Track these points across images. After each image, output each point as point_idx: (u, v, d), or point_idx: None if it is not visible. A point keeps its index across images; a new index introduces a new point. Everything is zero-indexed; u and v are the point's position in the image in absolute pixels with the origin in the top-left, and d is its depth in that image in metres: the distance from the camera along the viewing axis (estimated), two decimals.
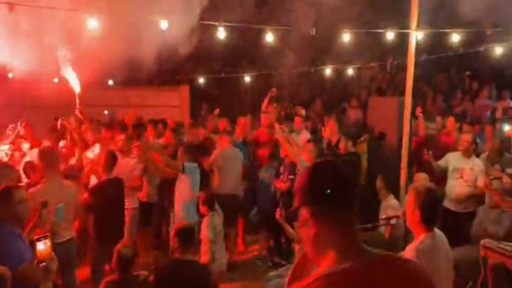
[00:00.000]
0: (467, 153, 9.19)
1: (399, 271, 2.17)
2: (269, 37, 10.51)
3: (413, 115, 12.08)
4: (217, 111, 13.58)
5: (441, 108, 16.00)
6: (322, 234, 2.25)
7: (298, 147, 9.45)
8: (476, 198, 9.04)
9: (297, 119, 11.31)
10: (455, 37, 10.37)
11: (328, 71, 14.16)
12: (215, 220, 8.09)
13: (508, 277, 7.02)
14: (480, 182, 8.73)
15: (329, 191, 2.25)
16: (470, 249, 7.58)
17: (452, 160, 9.32)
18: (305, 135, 11.03)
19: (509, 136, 10.46)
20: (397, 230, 7.66)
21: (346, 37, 10.44)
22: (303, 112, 13.37)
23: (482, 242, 6.93)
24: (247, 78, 15.93)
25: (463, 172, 9.07)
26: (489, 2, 10.03)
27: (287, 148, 9.52)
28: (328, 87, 18.45)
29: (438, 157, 9.66)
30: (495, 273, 6.74)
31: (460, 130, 11.33)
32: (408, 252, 4.36)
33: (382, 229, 7.93)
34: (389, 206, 8.39)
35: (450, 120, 11.25)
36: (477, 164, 9.14)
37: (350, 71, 15.38)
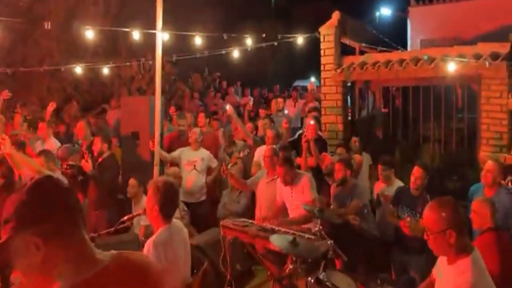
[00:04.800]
0: (196, 146, 10.49)
1: (129, 267, 2.35)
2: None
3: (167, 114, 12.94)
4: None
5: (197, 106, 17.44)
6: (51, 256, 2.21)
7: None
8: (208, 187, 10.59)
9: (41, 125, 11.39)
10: (198, 40, 11.37)
11: (79, 70, 14.07)
12: None
13: (242, 247, 8.44)
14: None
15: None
16: (215, 230, 8.59)
17: (184, 154, 10.49)
18: (53, 142, 11.40)
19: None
20: (151, 228, 8.29)
21: (90, 34, 10.81)
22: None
23: (221, 222, 8.01)
24: None
25: (196, 164, 10.28)
26: None
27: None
28: (85, 87, 18.69)
29: None
30: (232, 247, 7.86)
31: (210, 124, 12.52)
32: (147, 246, 4.96)
33: (136, 229, 8.70)
34: (143, 206, 9.01)
35: (201, 116, 12.35)
36: (205, 154, 10.59)
37: (106, 71, 15.60)
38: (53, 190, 2.30)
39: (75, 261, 2.22)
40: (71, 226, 2.28)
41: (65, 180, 7.00)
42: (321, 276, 5.88)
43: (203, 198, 10.50)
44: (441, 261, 4.29)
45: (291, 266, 6.41)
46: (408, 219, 7.27)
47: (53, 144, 11.31)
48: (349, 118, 11.89)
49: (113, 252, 2.38)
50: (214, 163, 10.65)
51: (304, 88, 19.23)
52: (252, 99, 20.00)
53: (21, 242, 2.19)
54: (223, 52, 12.52)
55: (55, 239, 2.21)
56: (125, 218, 5.70)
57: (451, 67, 9.73)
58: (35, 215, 2.20)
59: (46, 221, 2.20)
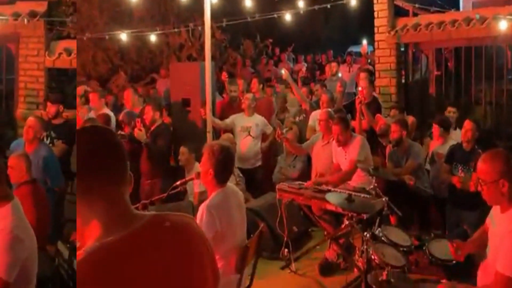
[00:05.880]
0: (249, 112, 10.59)
1: (167, 227, 2.30)
2: None
3: (219, 80, 13.10)
4: None
5: (250, 74, 17.50)
6: (88, 211, 2.23)
7: None
8: (263, 152, 10.76)
9: (93, 95, 11.12)
10: (248, 2, 11.41)
11: (124, 37, 14.19)
12: None
13: (298, 210, 8.81)
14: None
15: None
16: (271, 195, 9.04)
17: (238, 120, 10.63)
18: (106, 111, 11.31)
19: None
20: (205, 194, 8.51)
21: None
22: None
23: (277, 186, 8.43)
24: None
25: (250, 130, 10.46)
26: None
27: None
28: (132, 57, 18.72)
29: None
30: (288, 210, 8.16)
31: (263, 91, 12.63)
32: (201, 210, 5.12)
33: (190, 197, 8.97)
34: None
35: (254, 81, 12.41)
36: (259, 120, 10.66)
37: (154, 38, 15.64)
38: (96, 142, 2.31)
39: (113, 218, 2.21)
40: (111, 182, 2.27)
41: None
42: (376, 232, 6.10)
43: (258, 163, 10.67)
44: (495, 210, 4.48)
45: (347, 222, 6.66)
46: (462, 174, 7.47)
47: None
48: (403, 81, 11.96)
49: (152, 212, 2.37)
50: (269, 129, 10.74)
51: (358, 54, 19.24)
52: (305, 65, 20.19)
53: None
54: (275, 15, 12.64)
55: (93, 194, 2.23)
56: (178, 183, 5.73)
57: (503, 25, 9.80)
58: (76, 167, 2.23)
59: (86, 174, 2.23)
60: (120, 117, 10.54)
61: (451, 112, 9.88)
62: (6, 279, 3.92)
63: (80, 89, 11.66)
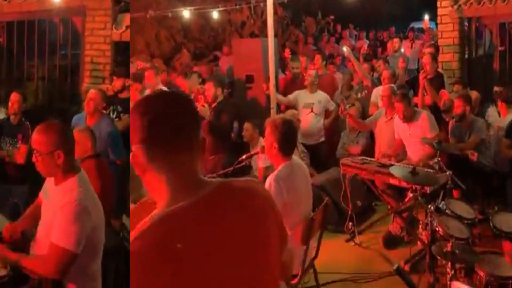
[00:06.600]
0: (312, 88, 10.65)
1: (235, 192, 2.29)
2: None
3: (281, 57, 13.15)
4: None
5: (312, 51, 17.37)
6: (156, 175, 2.20)
7: None
8: (326, 128, 10.85)
9: (148, 73, 10.77)
10: None
11: (187, 14, 14.49)
12: None
13: (362, 185, 8.98)
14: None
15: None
16: (335, 170, 9.15)
17: (300, 97, 10.71)
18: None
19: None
20: (270, 169, 8.65)
21: None
22: None
23: (341, 161, 8.57)
24: None
25: (313, 106, 10.54)
26: None
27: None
28: (195, 35, 18.94)
29: None
30: (352, 184, 8.31)
31: (326, 68, 12.68)
32: (268, 182, 5.20)
33: (255, 172, 9.10)
34: None
35: (317, 58, 12.49)
36: (322, 97, 10.73)
37: (216, 15, 15.75)
38: (166, 106, 2.24)
39: (182, 185, 2.18)
40: (184, 148, 2.22)
41: None
42: (440, 205, 6.14)
43: (322, 139, 10.76)
44: None
45: (411, 195, 6.72)
46: None
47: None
48: (466, 56, 11.85)
49: (220, 179, 2.34)
50: (332, 106, 10.80)
51: (420, 29, 19.06)
52: (367, 42, 20.13)
53: (135, 154, 2.21)
54: None
55: (157, 161, 2.19)
56: (243, 157, 5.88)
57: None
58: (142, 133, 2.18)
59: (155, 139, 2.18)
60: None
61: None
62: (74, 251, 3.93)
63: (133, 66, 11.81)
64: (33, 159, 4.20)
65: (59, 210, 4.03)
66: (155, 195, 2.21)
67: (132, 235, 2.05)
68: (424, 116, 8.28)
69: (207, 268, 2.04)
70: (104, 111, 8.24)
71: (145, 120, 2.15)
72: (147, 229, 2.02)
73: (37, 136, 4.19)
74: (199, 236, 2.07)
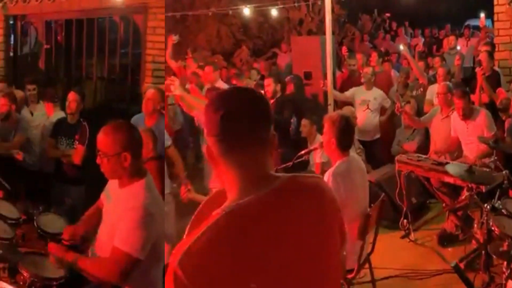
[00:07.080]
0: (368, 85, 10.71)
1: (303, 188, 2.30)
2: None
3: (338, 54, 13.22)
4: None
5: (368, 48, 17.51)
6: (228, 168, 2.23)
7: None
8: (382, 125, 10.87)
9: (208, 68, 11.06)
10: None
11: (247, 11, 14.67)
12: None
13: (417, 182, 8.85)
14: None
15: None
16: (390, 166, 9.18)
17: (357, 93, 10.79)
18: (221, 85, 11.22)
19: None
20: (326, 165, 8.39)
21: None
22: None
23: (396, 158, 8.62)
24: None
25: (369, 103, 10.61)
26: None
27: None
28: (254, 32, 19.13)
29: None
30: (407, 181, 8.31)
31: (382, 65, 12.70)
32: (326, 177, 5.28)
33: (312, 167, 9.20)
34: None
35: (374, 55, 12.50)
36: (378, 94, 10.77)
37: (275, 13, 15.88)
38: (239, 102, 2.26)
39: (251, 179, 2.19)
40: (253, 143, 2.23)
41: None
42: (496, 204, 6.15)
43: (377, 136, 10.81)
44: None
45: (467, 194, 6.75)
46: None
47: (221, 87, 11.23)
48: None
49: (288, 174, 2.33)
50: (387, 103, 10.82)
51: (476, 27, 18.88)
52: (422, 39, 20.03)
53: (209, 146, 2.25)
54: None
55: (228, 154, 2.21)
56: (303, 152, 5.90)
57: None
58: (214, 126, 2.20)
59: (227, 133, 2.20)
60: None
61: None
62: (137, 256, 3.90)
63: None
64: (97, 160, 4.08)
65: (124, 214, 4.01)
66: (226, 187, 2.25)
67: (205, 224, 2.08)
68: (483, 114, 8.26)
69: (272, 259, 2.09)
70: (163, 111, 8.09)
71: (218, 115, 2.18)
72: (220, 219, 2.06)
73: (103, 137, 4.07)
74: (267, 228, 2.11)
